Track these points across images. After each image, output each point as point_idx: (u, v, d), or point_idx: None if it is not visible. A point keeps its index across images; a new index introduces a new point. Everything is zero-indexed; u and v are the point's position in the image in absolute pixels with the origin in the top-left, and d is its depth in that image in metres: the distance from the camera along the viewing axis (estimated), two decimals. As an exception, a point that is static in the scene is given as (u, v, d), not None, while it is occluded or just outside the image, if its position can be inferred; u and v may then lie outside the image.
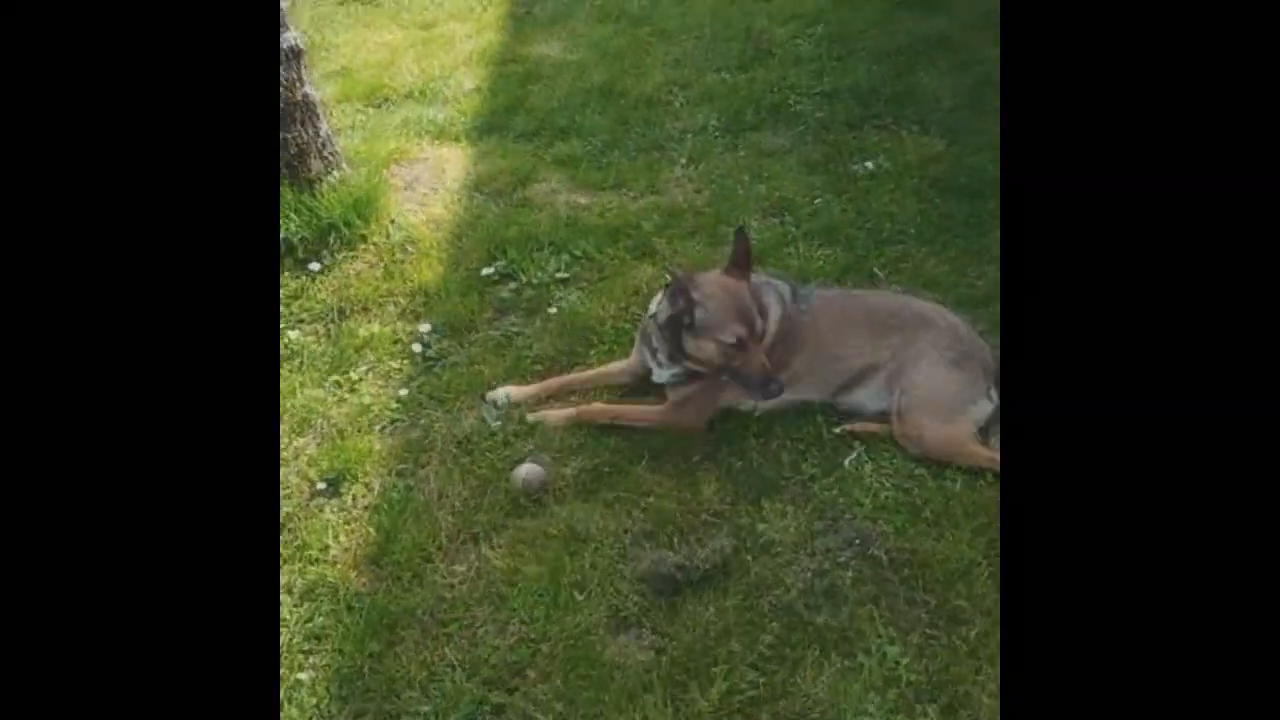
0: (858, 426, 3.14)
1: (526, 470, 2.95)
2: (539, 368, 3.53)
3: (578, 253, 4.14)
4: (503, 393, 3.36)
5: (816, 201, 4.51)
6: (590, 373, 3.45)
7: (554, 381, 3.42)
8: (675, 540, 2.77)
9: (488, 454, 3.13)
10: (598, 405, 3.26)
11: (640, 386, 3.26)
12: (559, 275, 4.00)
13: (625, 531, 2.81)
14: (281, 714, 2.36)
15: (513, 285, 3.97)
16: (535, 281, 3.96)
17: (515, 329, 3.75)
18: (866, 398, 3.20)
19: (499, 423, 3.25)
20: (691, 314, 2.98)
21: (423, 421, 3.29)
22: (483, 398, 3.37)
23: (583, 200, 4.61)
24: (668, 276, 3.09)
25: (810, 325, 3.23)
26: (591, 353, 3.59)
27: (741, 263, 3.03)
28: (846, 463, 3.02)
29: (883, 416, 3.16)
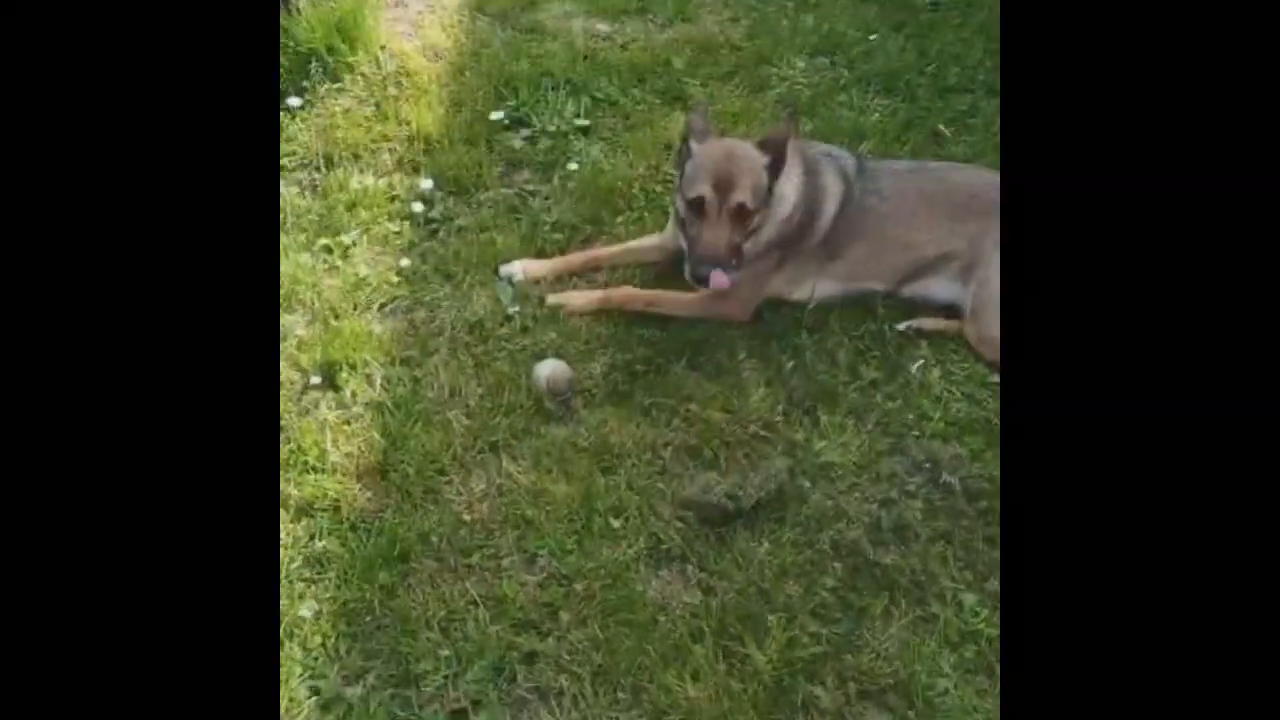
0: (925, 324, 2.77)
1: (550, 369, 2.57)
2: (558, 238, 3.09)
3: (599, 95, 3.60)
4: (518, 267, 2.94)
5: (871, 38, 3.94)
6: (618, 248, 3.02)
7: (576, 257, 2.99)
8: (721, 458, 2.45)
9: (504, 344, 2.75)
10: (628, 289, 2.85)
11: (676, 267, 2.85)
12: (578, 122, 3.48)
13: (665, 445, 2.48)
14: (282, 652, 2.09)
15: (525, 134, 3.46)
16: (551, 130, 3.45)
17: (530, 188, 3.27)
18: (936, 288, 2.81)
19: (515, 305, 2.84)
20: (683, 166, 2.67)
21: (428, 299, 2.89)
22: (496, 273, 2.94)
23: (602, 28, 4.00)
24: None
25: (877, 207, 2.79)
26: (618, 221, 3.15)
27: (774, 148, 2.64)
28: (913, 369, 2.67)
29: (951, 311, 2.79)
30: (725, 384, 2.63)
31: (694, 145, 2.64)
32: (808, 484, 2.39)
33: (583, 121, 3.49)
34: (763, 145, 2.63)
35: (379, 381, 2.65)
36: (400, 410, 2.55)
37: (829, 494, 2.37)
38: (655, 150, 3.35)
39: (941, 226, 2.79)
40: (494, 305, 2.85)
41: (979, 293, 2.72)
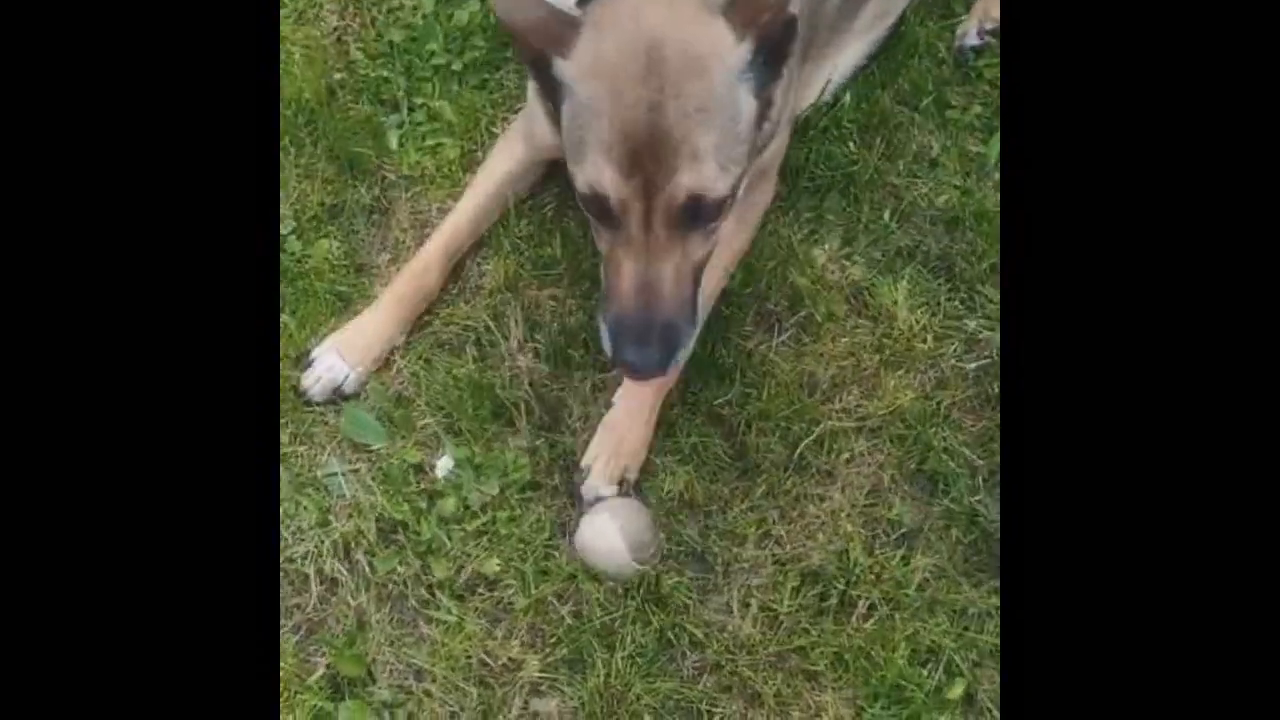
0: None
1: (625, 526, 1.42)
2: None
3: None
4: (330, 354, 1.55)
5: None
6: (464, 207, 1.64)
7: (406, 283, 1.60)
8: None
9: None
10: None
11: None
12: None
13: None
14: None
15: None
16: None
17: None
18: None
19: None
20: (555, 101, 1.25)
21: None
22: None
23: None
24: None
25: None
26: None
27: (758, 11, 1.18)
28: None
29: None
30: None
31: (561, 60, 1.20)
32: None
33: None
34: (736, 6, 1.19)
35: None
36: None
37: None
38: None
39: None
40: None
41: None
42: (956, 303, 1.62)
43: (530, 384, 1.56)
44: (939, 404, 1.56)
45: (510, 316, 1.59)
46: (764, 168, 1.56)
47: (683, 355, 1.29)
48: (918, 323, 1.61)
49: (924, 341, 1.60)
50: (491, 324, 1.59)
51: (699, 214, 1.20)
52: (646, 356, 1.23)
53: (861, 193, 1.70)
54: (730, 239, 1.57)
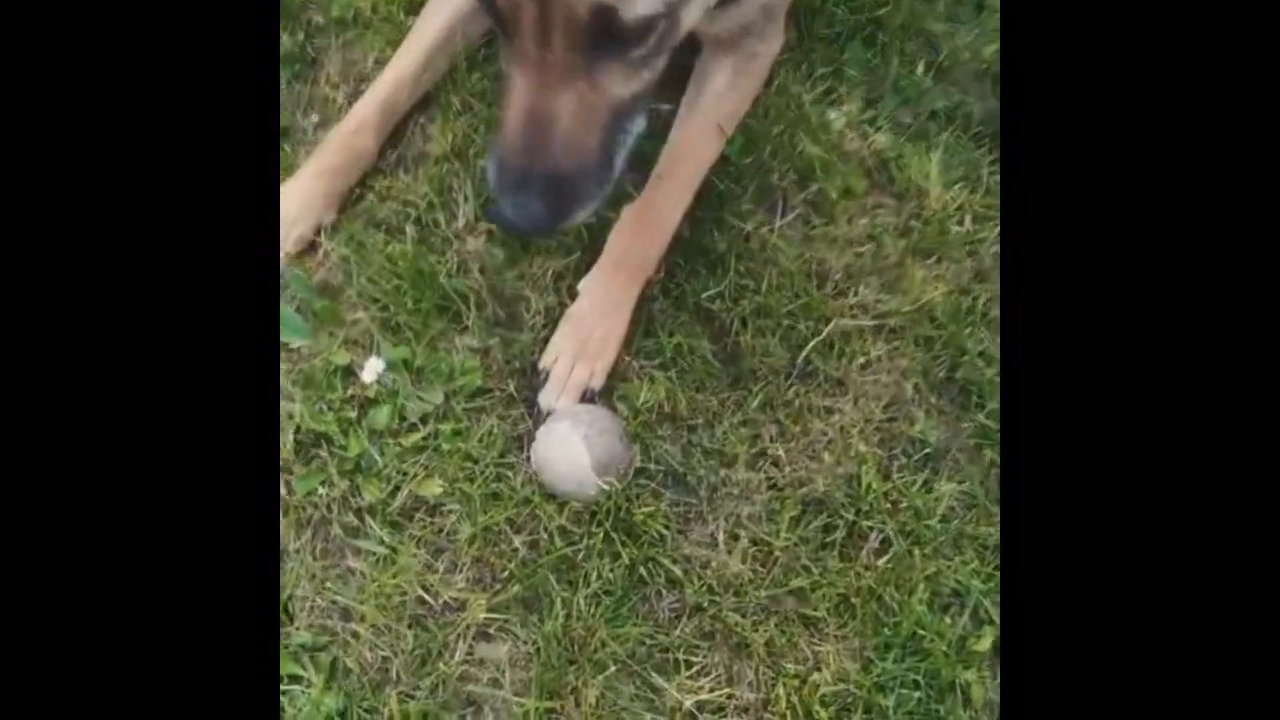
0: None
1: (591, 447, 1.18)
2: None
3: None
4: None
5: None
6: (404, 63, 1.35)
7: (344, 135, 1.32)
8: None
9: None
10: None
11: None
12: None
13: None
14: None
15: None
16: None
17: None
18: None
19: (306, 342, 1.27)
20: None
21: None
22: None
23: None
24: None
25: None
26: None
27: None
28: None
29: None
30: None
31: None
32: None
33: None
34: None
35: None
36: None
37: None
38: None
39: None
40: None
41: None
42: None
43: (481, 271, 1.30)
44: (975, 300, 1.29)
45: (459, 190, 1.32)
46: (769, 5, 1.26)
47: (581, 215, 1.01)
48: (953, 201, 1.33)
49: (960, 224, 1.32)
50: (436, 199, 1.32)
51: (612, 35, 0.90)
52: (523, 208, 0.96)
53: (890, 41, 1.40)
54: (725, 94, 1.29)
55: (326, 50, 1.40)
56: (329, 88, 1.39)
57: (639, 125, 1.02)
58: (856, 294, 1.29)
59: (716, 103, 1.29)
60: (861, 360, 1.27)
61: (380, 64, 1.37)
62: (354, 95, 1.37)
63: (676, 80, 1.36)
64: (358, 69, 1.40)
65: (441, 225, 1.31)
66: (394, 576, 1.18)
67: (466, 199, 1.32)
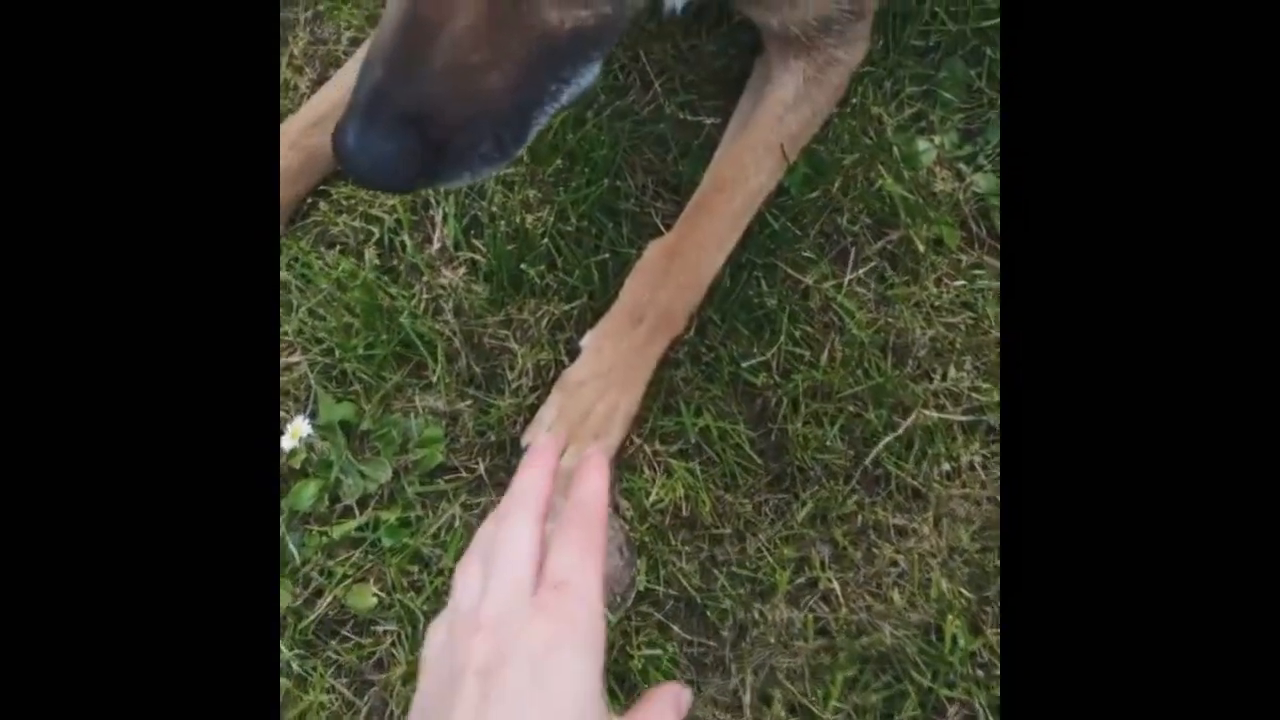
0: None
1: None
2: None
3: None
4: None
5: None
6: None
7: None
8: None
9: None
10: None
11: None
12: None
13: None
14: None
15: None
16: None
17: None
18: None
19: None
20: None
21: None
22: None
23: None
24: None
25: None
26: None
27: None
28: None
29: None
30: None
31: None
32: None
33: None
34: None
35: None
36: None
37: None
38: None
39: None
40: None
41: None
42: (1140, 238, 1.03)
43: (456, 313, 1.00)
44: (1101, 396, 0.98)
45: (436, 207, 1.03)
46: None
47: (459, 179, 0.70)
48: (1075, 265, 1.02)
49: (1083, 296, 1.01)
50: (405, 217, 1.03)
51: None
52: (368, 145, 0.64)
53: (999, 60, 1.10)
54: (791, 108, 1.00)
55: (292, 26, 1.12)
56: (291, 71, 1.11)
57: (585, 78, 0.71)
58: (945, 378, 0.98)
59: (778, 118, 0.99)
60: (948, 467, 0.96)
61: (355, 43, 1.10)
62: (320, 80, 1.09)
63: (729, 84, 1.07)
64: (326, 49, 1.11)
65: (409, 250, 1.02)
66: (299, 719, 0.87)
67: (445, 218, 1.02)
